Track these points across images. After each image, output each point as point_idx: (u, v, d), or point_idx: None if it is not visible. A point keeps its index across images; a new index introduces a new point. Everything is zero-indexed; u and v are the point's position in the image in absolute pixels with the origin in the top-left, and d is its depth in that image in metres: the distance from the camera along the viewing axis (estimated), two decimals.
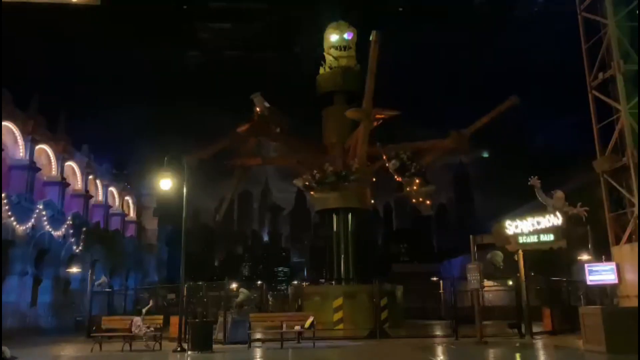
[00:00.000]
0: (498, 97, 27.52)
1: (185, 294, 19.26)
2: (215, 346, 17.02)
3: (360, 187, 27.26)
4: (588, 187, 24.53)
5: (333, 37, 30.76)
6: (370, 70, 23.74)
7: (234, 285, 29.71)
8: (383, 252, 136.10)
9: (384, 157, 25.88)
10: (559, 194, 19.54)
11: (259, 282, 52.66)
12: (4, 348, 12.37)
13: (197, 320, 18.79)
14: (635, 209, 15.72)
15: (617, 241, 16.44)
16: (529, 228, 19.90)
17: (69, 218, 36.79)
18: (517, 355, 15.73)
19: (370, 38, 23.27)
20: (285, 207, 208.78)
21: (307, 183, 26.96)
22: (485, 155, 28.17)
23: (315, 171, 26.52)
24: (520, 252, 20.60)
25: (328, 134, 29.49)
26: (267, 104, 26.40)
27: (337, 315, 23.62)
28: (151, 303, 21.08)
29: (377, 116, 24.76)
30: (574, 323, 17.51)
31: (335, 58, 30.31)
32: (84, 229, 38.42)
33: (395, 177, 26.17)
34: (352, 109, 25.55)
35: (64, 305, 35.27)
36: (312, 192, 27.64)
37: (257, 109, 26.50)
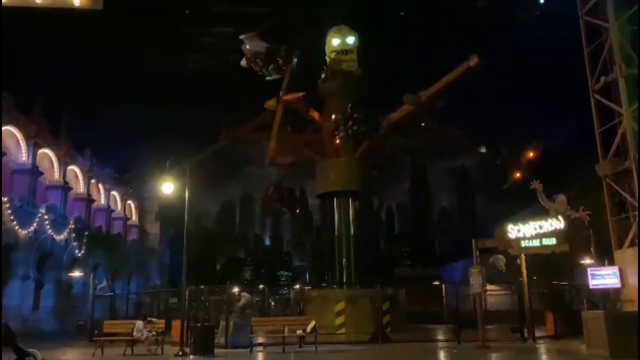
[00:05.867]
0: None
1: (187, 298, 19.22)
2: (217, 350, 16.99)
3: (357, 168, 27.90)
4: (590, 191, 24.50)
5: (335, 41, 30.84)
6: (449, 79, 25.31)
7: (235, 289, 29.67)
8: (385, 256, 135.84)
9: None
10: (561, 197, 19.52)
11: (261, 286, 52.58)
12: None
13: (198, 324, 18.77)
14: (637, 213, 15.69)
15: (620, 245, 16.39)
16: (531, 232, 19.89)
17: (71, 222, 36.86)
18: None
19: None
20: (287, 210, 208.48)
21: (338, 125, 26.38)
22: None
23: (350, 115, 26.23)
24: (523, 256, 20.58)
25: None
26: (264, 43, 25.17)
27: (339, 320, 23.61)
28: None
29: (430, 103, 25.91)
30: (577, 327, 17.47)
31: (337, 62, 30.37)
32: (86, 232, 38.49)
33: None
34: (409, 95, 26.01)
35: (66, 309, 35.29)
36: (337, 138, 27.13)
37: (248, 47, 25.42)
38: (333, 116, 26.94)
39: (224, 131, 29.54)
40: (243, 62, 26.25)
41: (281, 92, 26.53)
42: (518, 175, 26.86)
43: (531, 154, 26.34)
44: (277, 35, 25.34)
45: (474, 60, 23.99)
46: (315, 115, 29.18)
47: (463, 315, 21.92)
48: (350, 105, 26.58)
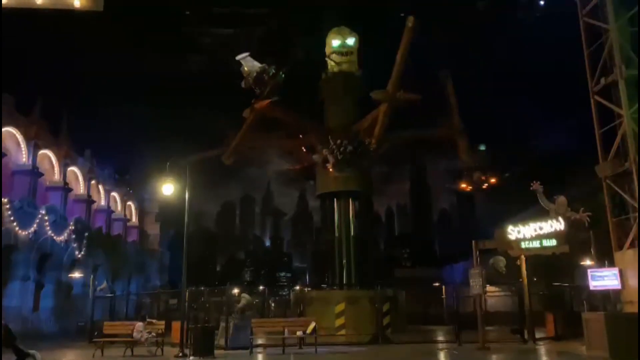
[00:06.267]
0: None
1: (187, 299, 19.22)
2: (217, 352, 16.99)
3: (362, 169, 27.67)
4: (591, 193, 24.49)
5: (335, 42, 30.86)
6: (401, 54, 24.18)
7: (235, 291, 29.65)
8: (385, 257, 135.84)
9: None
10: (561, 199, 19.53)
11: (261, 287, 52.64)
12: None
13: (198, 325, 18.76)
14: (637, 214, 15.68)
15: (620, 246, 16.38)
16: (531, 233, 19.89)
17: (71, 223, 36.84)
18: None
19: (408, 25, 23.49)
20: (287, 212, 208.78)
21: (326, 156, 26.60)
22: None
23: (334, 143, 26.37)
24: (523, 257, 20.56)
25: (331, 121, 29.52)
26: (256, 63, 25.48)
27: (339, 321, 23.58)
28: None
29: (401, 98, 25.24)
30: (577, 328, 17.45)
31: (337, 63, 30.40)
32: (86, 234, 38.47)
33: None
34: (377, 91, 25.73)
35: (66, 310, 35.28)
36: (329, 168, 27.16)
37: (246, 69, 25.66)
38: (318, 154, 27.05)
39: (229, 137, 29.27)
40: (243, 84, 26.60)
41: (253, 100, 26.56)
42: (464, 186, 27.15)
43: (492, 180, 26.56)
44: (270, 44, 25.57)
45: (410, 21, 23.43)
46: (307, 139, 29.00)
47: (463, 317, 21.91)
48: (330, 136, 26.73)
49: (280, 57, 26.40)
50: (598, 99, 17.46)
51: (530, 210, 27.29)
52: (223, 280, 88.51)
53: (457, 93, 27.54)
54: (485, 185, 27.54)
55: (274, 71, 25.52)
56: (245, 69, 25.55)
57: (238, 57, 25.52)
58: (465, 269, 38.63)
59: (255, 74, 25.28)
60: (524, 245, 20.08)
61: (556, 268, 30.24)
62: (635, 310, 14.63)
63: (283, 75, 25.99)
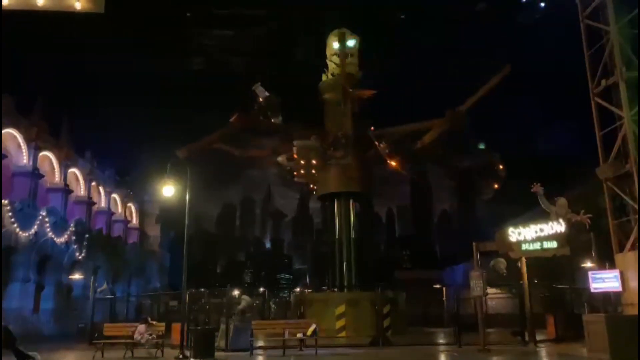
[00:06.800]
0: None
1: (187, 301, 19.20)
2: (217, 353, 17.00)
3: (358, 169, 28.29)
4: (591, 194, 24.47)
5: (335, 44, 30.89)
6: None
7: (236, 292, 29.64)
8: (385, 259, 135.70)
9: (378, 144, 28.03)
10: (562, 201, 19.48)
11: (261, 289, 52.55)
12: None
13: (199, 327, 18.74)
14: (637, 216, 15.66)
15: (621, 248, 16.36)
16: (532, 235, 19.85)
17: (71, 225, 36.85)
18: None
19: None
20: (287, 213, 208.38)
21: (289, 159, 27.91)
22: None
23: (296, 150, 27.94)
24: (523, 259, 20.54)
25: (329, 125, 29.81)
26: (267, 93, 27.95)
27: (340, 323, 23.58)
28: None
29: (356, 94, 28.25)
30: (578, 330, 17.43)
31: (338, 65, 30.43)
32: (87, 235, 38.48)
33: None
34: (332, 91, 28.72)
35: (66, 311, 35.25)
36: (294, 173, 28.45)
37: (260, 100, 27.79)
38: (281, 157, 28.37)
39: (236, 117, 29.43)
40: (257, 108, 27.80)
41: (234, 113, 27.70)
42: (376, 143, 28.05)
43: (392, 162, 27.42)
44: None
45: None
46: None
47: (464, 319, 21.87)
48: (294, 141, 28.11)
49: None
50: (599, 101, 17.45)
51: (531, 212, 27.29)
52: (223, 281, 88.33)
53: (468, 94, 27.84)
54: (390, 162, 28.17)
55: (273, 97, 27.82)
56: (260, 99, 27.50)
57: (253, 87, 27.76)
58: (465, 271, 38.61)
59: (261, 101, 27.47)
60: (524, 247, 20.04)
61: (557, 270, 30.21)
62: (636, 312, 14.60)
63: (279, 100, 28.10)
